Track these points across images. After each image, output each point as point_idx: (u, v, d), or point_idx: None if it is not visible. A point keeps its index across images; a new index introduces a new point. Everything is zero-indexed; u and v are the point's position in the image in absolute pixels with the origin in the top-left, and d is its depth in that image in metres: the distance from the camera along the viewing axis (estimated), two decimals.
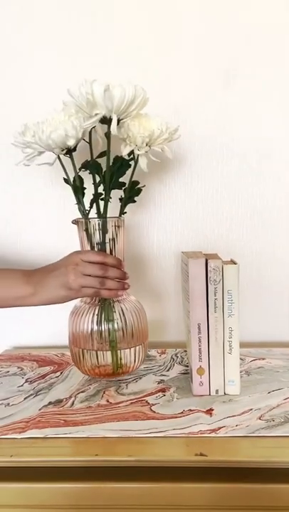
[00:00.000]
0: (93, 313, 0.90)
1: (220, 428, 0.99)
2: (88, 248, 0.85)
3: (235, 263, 1.08)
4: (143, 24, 1.38)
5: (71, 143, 0.72)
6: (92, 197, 0.84)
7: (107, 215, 0.82)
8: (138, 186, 0.86)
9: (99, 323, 0.90)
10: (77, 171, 0.81)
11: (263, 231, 1.50)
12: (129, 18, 1.34)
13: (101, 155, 0.83)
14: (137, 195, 0.88)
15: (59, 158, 0.80)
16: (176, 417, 1.04)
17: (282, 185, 1.47)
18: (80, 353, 0.96)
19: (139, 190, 0.87)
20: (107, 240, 0.82)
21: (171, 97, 1.39)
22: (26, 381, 1.18)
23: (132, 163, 0.83)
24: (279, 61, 1.43)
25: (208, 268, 1.07)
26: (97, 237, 0.82)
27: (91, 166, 0.80)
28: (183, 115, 1.33)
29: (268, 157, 1.46)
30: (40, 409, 1.04)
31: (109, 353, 0.92)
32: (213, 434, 0.97)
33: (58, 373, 1.28)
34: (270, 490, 0.90)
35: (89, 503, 0.94)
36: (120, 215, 0.85)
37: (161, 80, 1.39)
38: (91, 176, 0.85)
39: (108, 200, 0.82)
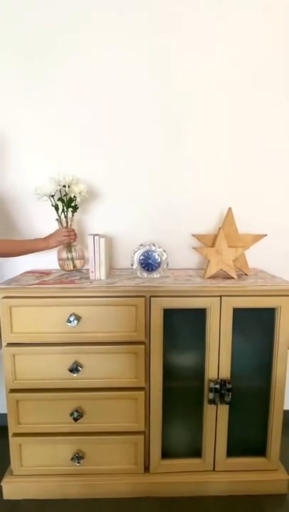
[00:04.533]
0: (66, 250, 1.68)
1: None
2: (61, 227, 1.66)
3: None
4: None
5: (52, 193, 1.61)
6: (60, 212, 1.67)
7: (67, 218, 1.66)
8: (75, 206, 1.66)
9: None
10: (56, 203, 1.65)
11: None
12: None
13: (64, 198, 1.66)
14: (75, 211, 1.67)
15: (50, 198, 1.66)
16: None
17: None
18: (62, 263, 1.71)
19: (77, 208, 1.67)
20: (67, 226, 1.66)
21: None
22: None
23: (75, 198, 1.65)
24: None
25: None
26: (64, 225, 1.66)
27: (63, 200, 1.64)
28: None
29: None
30: None
31: (71, 264, 1.68)
32: None
33: None
34: None
35: None
36: (68, 217, 1.66)
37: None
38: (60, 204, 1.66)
39: (67, 212, 1.65)
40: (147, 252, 1.59)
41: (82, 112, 1.70)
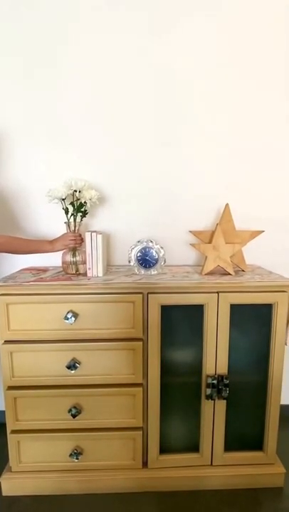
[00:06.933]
0: (70, 254, 1.66)
1: None
2: (69, 231, 1.67)
3: None
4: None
5: (63, 197, 1.62)
6: (70, 216, 1.67)
7: (75, 222, 1.66)
8: (84, 211, 1.68)
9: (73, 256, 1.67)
10: (66, 207, 1.65)
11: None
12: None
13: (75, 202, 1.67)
14: (84, 216, 1.68)
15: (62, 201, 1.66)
16: None
17: None
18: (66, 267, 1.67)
19: (86, 214, 1.68)
20: (75, 231, 1.67)
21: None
22: None
23: (86, 204, 1.67)
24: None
25: None
26: (72, 229, 1.67)
27: (73, 204, 1.65)
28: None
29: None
30: None
31: (74, 268, 1.65)
32: None
33: None
34: None
35: None
36: (77, 221, 1.67)
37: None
38: (70, 208, 1.67)
39: (76, 216, 1.66)
40: (145, 248, 1.59)
41: (82, 110, 1.69)
